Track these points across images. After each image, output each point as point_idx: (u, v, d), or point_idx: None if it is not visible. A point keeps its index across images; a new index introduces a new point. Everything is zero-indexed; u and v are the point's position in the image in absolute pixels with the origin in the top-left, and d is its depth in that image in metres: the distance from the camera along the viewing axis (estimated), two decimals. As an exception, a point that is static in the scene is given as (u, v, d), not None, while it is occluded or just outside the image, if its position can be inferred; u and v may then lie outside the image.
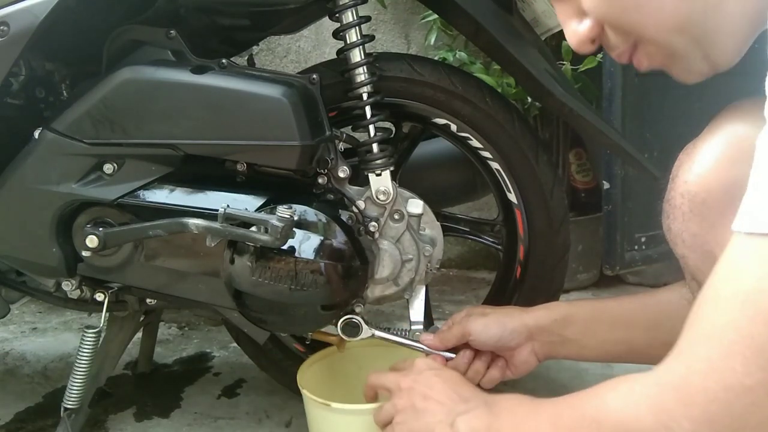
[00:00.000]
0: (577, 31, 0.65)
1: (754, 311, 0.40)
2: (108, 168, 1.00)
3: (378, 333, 1.05)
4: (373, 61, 1.05)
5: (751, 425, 0.40)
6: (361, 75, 1.03)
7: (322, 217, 0.97)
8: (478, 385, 0.96)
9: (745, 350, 0.40)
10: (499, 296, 1.22)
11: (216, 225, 0.92)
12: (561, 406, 0.58)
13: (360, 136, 1.07)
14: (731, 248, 0.44)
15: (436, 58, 1.54)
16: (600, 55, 1.57)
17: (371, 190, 1.04)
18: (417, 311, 1.09)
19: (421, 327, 1.08)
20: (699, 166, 0.64)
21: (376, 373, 0.94)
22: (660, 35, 0.61)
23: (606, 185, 1.73)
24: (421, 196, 1.07)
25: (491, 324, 0.96)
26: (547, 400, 0.64)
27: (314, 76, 1.02)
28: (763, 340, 0.39)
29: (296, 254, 0.93)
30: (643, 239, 1.39)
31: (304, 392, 0.98)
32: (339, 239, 0.96)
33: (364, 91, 1.03)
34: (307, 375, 1.05)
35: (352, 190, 1.06)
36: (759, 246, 0.41)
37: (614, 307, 0.93)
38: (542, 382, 1.29)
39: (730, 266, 0.44)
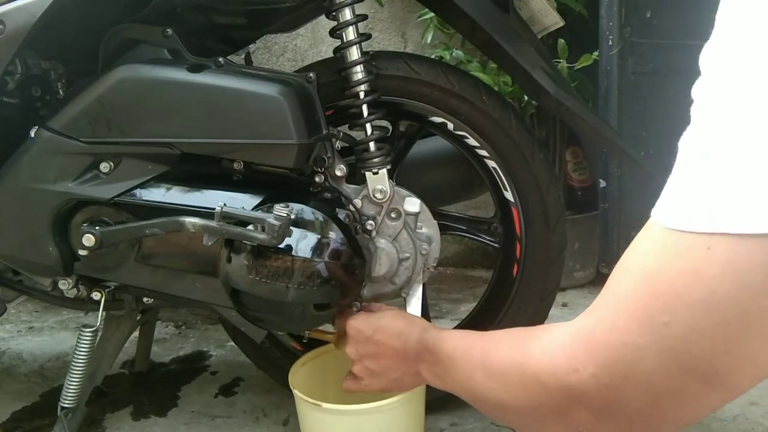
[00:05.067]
0: None
1: (650, 288, 0.49)
2: (104, 167, 1.00)
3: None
4: (369, 59, 1.05)
5: (637, 373, 0.49)
6: (358, 73, 1.03)
7: (319, 216, 0.97)
8: None
9: (640, 317, 0.49)
10: (496, 294, 1.22)
11: (213, 223, 0.92)
12: (492, 349, 0.66)
13: (357, 134, 1.07)
14: (645, 228, 0.52)
15: (432, 57, 1.54)
16: (596, 53, 1.57)
17: (368, 189, 1.04)
18: (414, 309, 1.09)
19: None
20: None
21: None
22: None
23: (602, 183, 1.74)
24: (418, 195, 1.07)
25: None
26: (481, 338, 0.70)
27: (311, 74, 1.02)
28: (653, 311, 0.48)
29: (293, 253, 0.93)
30: (639, 237, 1.39)
31: (295, 392, 0.97)
32: (336, 238, 0.96)
33: (361, 90, 1.03)
34: (299, 374, 1.05)
35: (349, 188, 1.06)
36: (663, 235, 0.48)
37: None
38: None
39: (641, 245, 0.52)
